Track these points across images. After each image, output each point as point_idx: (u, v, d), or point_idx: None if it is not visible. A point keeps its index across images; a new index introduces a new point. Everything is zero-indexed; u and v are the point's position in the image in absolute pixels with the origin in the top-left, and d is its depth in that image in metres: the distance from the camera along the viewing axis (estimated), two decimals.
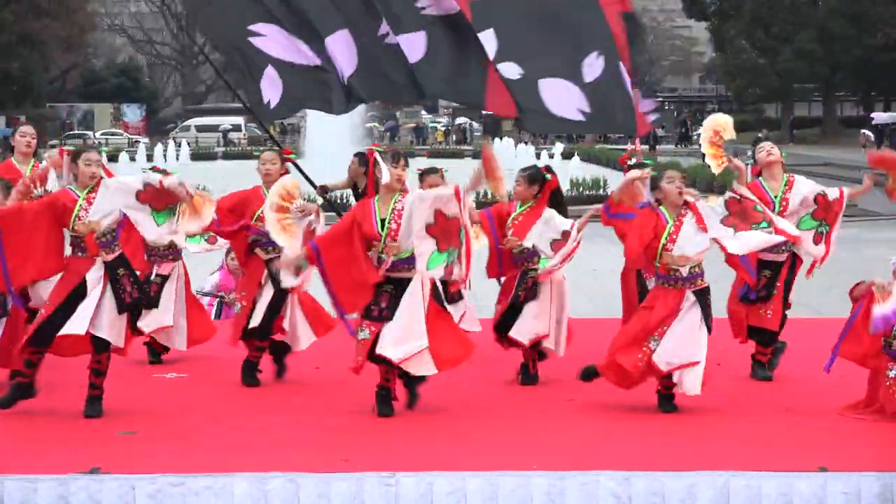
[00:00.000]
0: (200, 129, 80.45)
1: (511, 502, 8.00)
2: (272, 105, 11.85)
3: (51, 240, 9.62)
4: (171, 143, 62.59)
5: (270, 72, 11.82)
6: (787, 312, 11.21)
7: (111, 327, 9.56)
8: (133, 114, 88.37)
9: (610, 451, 8.70)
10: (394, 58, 11.77)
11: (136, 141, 70.95)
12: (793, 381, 10.96)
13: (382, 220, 9.61)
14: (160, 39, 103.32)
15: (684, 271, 9.68)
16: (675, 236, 9.65)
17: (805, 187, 10.90)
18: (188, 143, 63.08)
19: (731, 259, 9.94)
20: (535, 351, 10.94)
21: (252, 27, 11.86)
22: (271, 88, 11.80)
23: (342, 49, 11.84)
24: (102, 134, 78.22)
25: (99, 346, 9.60)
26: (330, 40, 11.85)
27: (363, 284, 9.60)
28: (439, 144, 73.48)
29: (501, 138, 65.34)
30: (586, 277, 19.24)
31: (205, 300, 13.76)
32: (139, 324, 11.17)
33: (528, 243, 10.67)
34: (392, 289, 9.59)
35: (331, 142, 40.52)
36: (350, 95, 11.93)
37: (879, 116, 63.71)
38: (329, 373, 11.20)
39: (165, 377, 11.26)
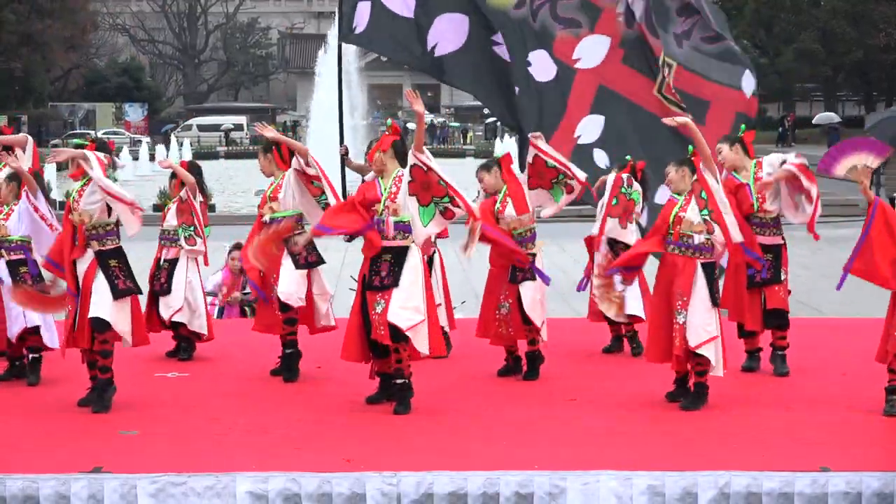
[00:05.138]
0: (202, 128, 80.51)
1: (512, 502, 8.01)
2: (357, 30, 13.08)
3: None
4: (172, 140, 62.57)
5: (364, 5, 12.99)
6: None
7: (110, 309, 9.69)
8: (135, 113, 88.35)
9: (611, 450, 8.70)
10: (496, 68, 12.64)
11: (138, 140, 70.91)
12: (793, 380, 10.96)
13: (385, 188, 9.83)
14: (162, 39, 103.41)
15: (696, 239, 9.82)
16: (686, 207, 9.88)
17: (774, 160, 11.08)
18: (190, 143, 63.01)
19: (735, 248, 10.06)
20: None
21: None
22: (361, 17, 13.02)
23: (452, 27, 12.67)
24: (104, 133, 78.13)
25: (99, 327, 9.71)
26: (446, 17, 12.59)
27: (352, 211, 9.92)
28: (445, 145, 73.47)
29: (502, 138, 65.46)
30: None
31: (206, 299, 13.78)
32: (160, 313, 11.74)
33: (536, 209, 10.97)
34: (391, 258, 9.74)
35: (333, 141, 40.48)
36: (440, 69, 13.06)
37: (821, 117, 63.71)
38: (331, 371, 11.21)
39: (167, 376, 11.27)
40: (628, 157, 11.93)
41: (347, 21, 13.16)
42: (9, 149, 11.34)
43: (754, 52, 71.70)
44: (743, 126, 11.76)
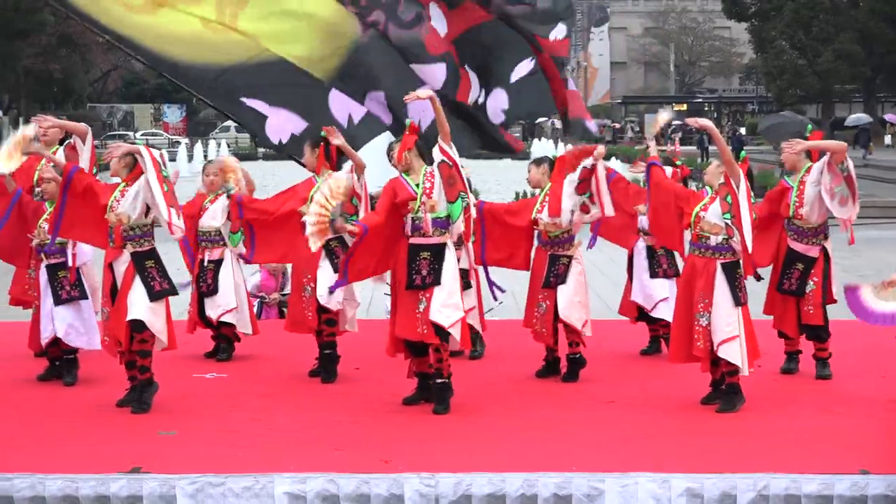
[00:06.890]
0: (240, 129, 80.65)
1: (550, 503, 7.99)
2: (282, 141, 12.78)
3: (100, 218, 9.85)
4: (211, 143, 62.79)
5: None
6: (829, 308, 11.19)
7: (147, 310, 9.71)
8: (173, 114, 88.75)
9: (650, 452, 8.67)
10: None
11: (177, 141, 71.20)
12: (833, 382, 10.91)
13: (416, 185, 9.83)
14: None
15: (713, 240, 9.81)
16: (708, 206, 9.87)
17: (816, 169, 10.90)
18: (227, 144, 63.20)
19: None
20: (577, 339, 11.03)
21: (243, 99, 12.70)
22: (280, 130, 12.72)
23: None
24: (143, 134, 78.57)
25: (137, 327, 9.75)
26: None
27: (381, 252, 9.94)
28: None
29: (540, 138, 65.62)
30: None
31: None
32: (207, 313, 11.78)
33: (565, 216, 10.77)
34: (430, 255, 9.76)
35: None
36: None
37: (851, 118, 63.16)
38: (369, 373, 11.22)
39: (205, 377, 11.30)
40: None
41: (261, 131, 12.92)
42: (66, 139, 11.36)
43: (793, 52, 71.44)
44: (809, 126, 11.63)
